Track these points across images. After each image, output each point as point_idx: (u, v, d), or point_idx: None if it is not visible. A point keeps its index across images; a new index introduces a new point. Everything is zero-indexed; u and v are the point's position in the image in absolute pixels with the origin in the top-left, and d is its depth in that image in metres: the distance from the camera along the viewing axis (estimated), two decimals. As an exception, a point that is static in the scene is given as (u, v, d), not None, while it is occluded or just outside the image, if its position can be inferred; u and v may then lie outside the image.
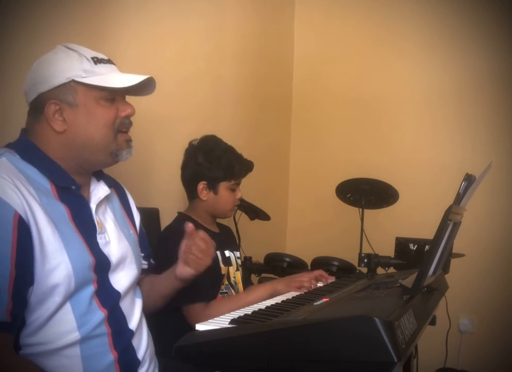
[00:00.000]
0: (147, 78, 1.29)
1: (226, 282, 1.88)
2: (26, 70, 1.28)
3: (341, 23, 3.44)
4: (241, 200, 2.07)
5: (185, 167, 1.94)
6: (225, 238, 2.02)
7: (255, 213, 2.33)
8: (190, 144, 1.94)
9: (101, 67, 1.25)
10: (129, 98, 1.35)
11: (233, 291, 1.90)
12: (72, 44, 1.27)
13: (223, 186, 1.89)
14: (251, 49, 2.96)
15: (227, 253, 1.93)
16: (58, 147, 1.24)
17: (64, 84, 1.22)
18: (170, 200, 2.18)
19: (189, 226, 1.40)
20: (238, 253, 2.01)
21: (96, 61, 1.25)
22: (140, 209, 1.56)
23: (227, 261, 1.91)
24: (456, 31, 3.15)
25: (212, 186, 1.88)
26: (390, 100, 3.30)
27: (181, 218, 1.89)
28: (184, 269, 1.41)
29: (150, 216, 1.95)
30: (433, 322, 1.89)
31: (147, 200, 2.01)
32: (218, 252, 1.88)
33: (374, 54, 3.35)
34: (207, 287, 1.74)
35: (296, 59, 3.57)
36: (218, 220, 2.03)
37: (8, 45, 1.53)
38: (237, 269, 1.97)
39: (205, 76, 2.50)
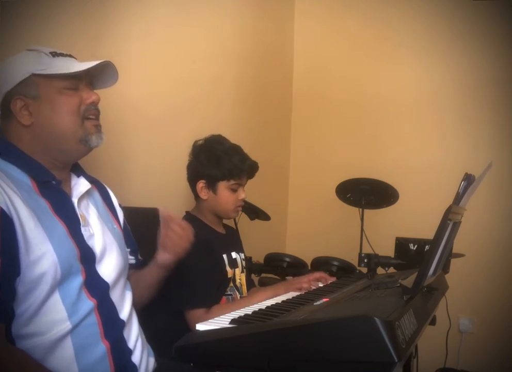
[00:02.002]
0: (107, 66, 1.32)
1: (231, 284, 1.87)
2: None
3: (341, 24, 3.44)
4: (241, 200, 2.06)
5: (188, 166, 1.94)
6: (231, 239, 2.01)
7: (255, 213, 2.33)
8: (194, 144, 1.94)
9: (59, 60, 1.28)
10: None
11: (237, 293, 1.89)
12: (33, 45, 1.31)
13: (222, 186, 1.87)
14: (251, 49, 2.96)
15: (233, 255, 1.92)
16: (29, 141, 1.27)
17: (26, 79, 1.25)
18: (170, 200, 2.18)
19: (161, 211, 1.43)
20: (243, 255, 1.99)
21: (54, 54, 1.29)
22: (139, 209, 1.56)
23: (233, 263, 1.90)
24: (457, 31, 3.15)
25: (211, 185, 1.87)
26: (390, 100, 3.30)
27: (188, 217, 1.89)
28: (163, 256, 1.45)
29: (150, 216, 1.95)
30: (433, 322, 1.89)
31: (146, 200, 2.01)
32: (225, 255, 1.87)
33: (375, 54, 3.35)
34: (210, 292, 1.74)
35: (296, 59, 3.57)
36: (224, 221, 2.03)
37: (8, 45, 1.53)
38: (242, 271, 1.95)
39: (204, 76, 2.50)
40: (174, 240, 1.43)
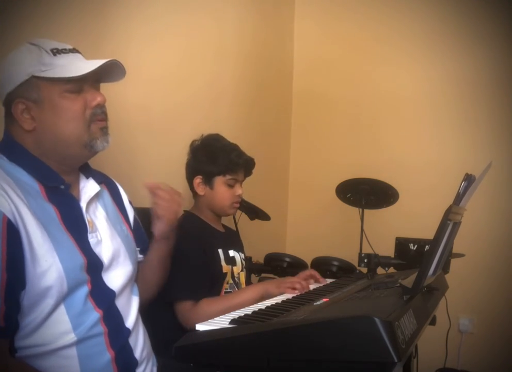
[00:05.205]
0: (113, 63, 1.25)
1: (231, 281, 1.87)
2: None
3: (341, 25, 3.44)
4: (241, 200, 2.06)
5: (186, 164, 1.96)
6: (231, 238, 2.02)
7: (255, 213, 2.33)
8: (192, 143, 1.96)
9: (61, 58, 1.20)
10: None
11: (237, 290, 1.88)
12: (37, 39, 1.24)
13: (218, 181, 1.88)
14: (251, 50, 2.96)
15: (231, 253, 1.92)
16: (32, 146, 1.22)
17: (26, 81, 1.18)
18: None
19: (147, 183, 1.42)
20: (243, 255, 2.00)
21: (56, 52, 1.20)
22: (139, 209, 1.55)
23: (230, 261, 1.90)
24: (457, 31, 3.14)
25: (208, 181, 1.88)
26: (390, 100, 3.30)
27: (186, 215, 1.89)
28: (158, 226, 1.45)
29: (150, 216, 1.95)
30: (433, 322, 1.89)
31: (146, 199, 2.00)
32: (220, 251, 1.87)
33: (374, 55, 3.35)
34: (200, 285, 1.73)
35: (296, 60, 3.56)
36: (223, 220, 2.03)
37: (10, 45, 1.53)
38: (242, 270, 1.95)
39: (204, 77, 2.50)
40: (163, 206, 1.41)
